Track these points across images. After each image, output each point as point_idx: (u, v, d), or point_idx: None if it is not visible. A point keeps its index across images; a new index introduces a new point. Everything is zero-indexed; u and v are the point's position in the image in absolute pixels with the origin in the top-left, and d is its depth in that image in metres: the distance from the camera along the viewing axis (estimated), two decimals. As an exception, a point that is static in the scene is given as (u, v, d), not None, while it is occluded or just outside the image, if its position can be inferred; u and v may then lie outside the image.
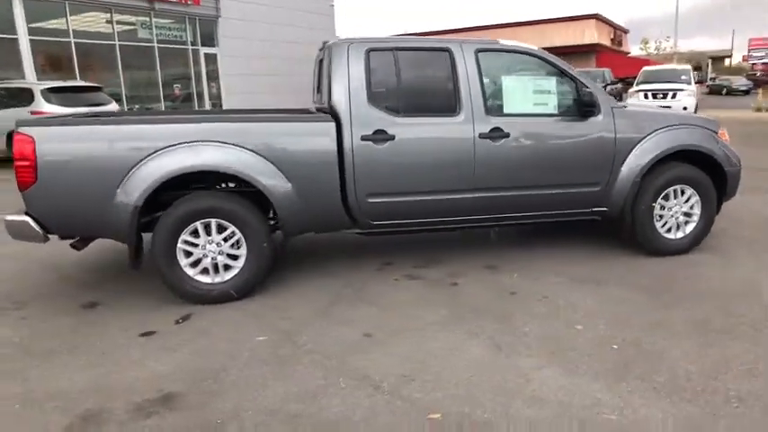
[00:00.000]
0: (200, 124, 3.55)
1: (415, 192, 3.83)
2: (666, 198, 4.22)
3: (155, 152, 3.41)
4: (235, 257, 3.64)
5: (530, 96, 3.97)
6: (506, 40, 4.11)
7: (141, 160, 3.40)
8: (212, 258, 3.60)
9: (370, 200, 3.77)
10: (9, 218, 3.42)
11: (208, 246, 3.58)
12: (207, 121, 3.62)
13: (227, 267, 3.64)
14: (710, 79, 41.13)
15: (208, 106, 19.38)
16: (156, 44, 17.82)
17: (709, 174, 4.26)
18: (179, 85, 18.77)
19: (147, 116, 4.14)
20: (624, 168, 4.09)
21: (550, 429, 2.27)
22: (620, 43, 33.21)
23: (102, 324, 3.41)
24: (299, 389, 2.61)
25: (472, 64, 3.85)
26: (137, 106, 16.77)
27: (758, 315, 3.26)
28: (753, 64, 45.67)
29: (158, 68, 17.93)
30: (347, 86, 3.68)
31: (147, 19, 17.55)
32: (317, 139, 3.66)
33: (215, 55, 19.77)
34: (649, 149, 4.09)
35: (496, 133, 3.84)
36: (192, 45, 19.05)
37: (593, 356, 2.84)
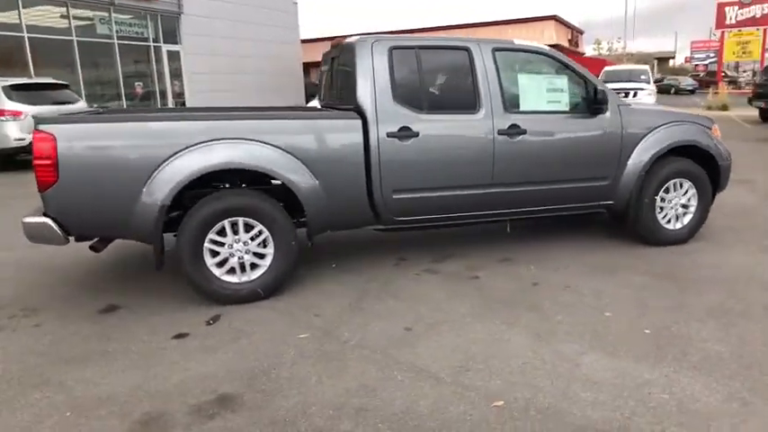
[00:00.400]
0: (226, 121, 3.49)
1: (438, 187, 3.89)
2: (667, 191, 4.44)
3: (182, 150, 3.34)
4: (261, 256, 3.61)
5: (543, 94, 4.10)
6: (520, 40, 4.23)
7: (168, 158, 3.32)
8: (239, 257, 3.56)
9: (395, 196, 3.81)
10: (27, 220, 3.27)
11: (235, 245, 3.53)
12: (233, 118, 3.56)
13: (253, 266, 3.61)
14: (656, 80, 43.04)
15: (171, 104, 18.86)
16: (116, 40, 17.20)
17: (704, 167, 4.51)
18: (141, 83, 18.19)
19: (172, 113, 4.04)
20: (630, 163, 4.29)
21: (613, 410, 2.37)
22: (576, 44, 34.29)
23: (126, 328, 3.32)
24: (356, 384, 2.63)
25: (490, 62, 3.94)
26: (95, 105, 16.14)
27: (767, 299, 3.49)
28: (696, 65, 48.06)
29: (119, 66, 17.32)
30: (372, 84, 3.71)
31: (107, 14, 16.92)
32: (343, 135, 3.67)
33: (178, 52, 19.25)
34: (653, 145, 4.30)
35: (514, 130, 3.95)
36: (154, 42, 18.48)
37: (628, 341, 2.98)
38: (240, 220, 3.51)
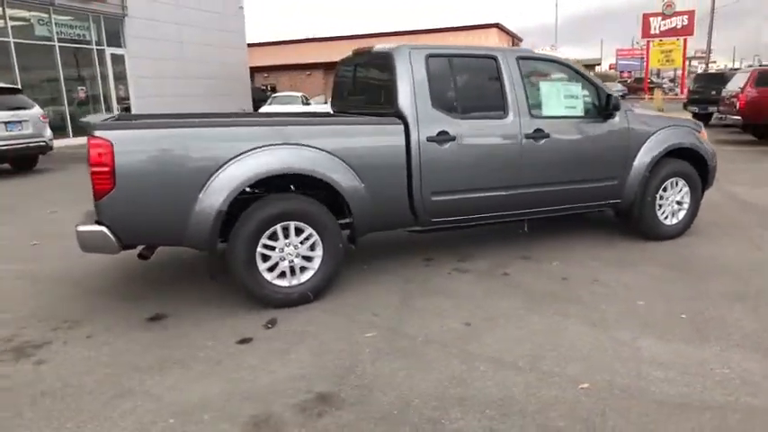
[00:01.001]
0: (278, 127, 3.52)
1: (471, 189, 4.07)
2: (665, 189, 4.85)
3: (238, 155, 3.34)
4: (309, 259, 3.65)
5: (561, 100, 4.39)
6: (539, 51, 4.49)
7: (225, 163, 3.32)
8: (290, 261, 3.59)
9: (434, 198, 3.95)
10: (82, 228, 3.16)
11: (285, 248, 3.56)
12: (285, 123, 3.60)
13: (302, 269, 3.64)
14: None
15: (116, 109, 18.07)
16: (56, 43, 16.34)
17: (695, 167, 4.96)
18: (84, 87, 17.34)
19: (226, 118, 4.02)
20: (635, 164, 4.65)
21: (685, 385, 2.62)
22: (515, 52, 35.92)
23: (183, 335, 3.27)
24: (445, 375, 2.75)
25: (515, 70, 4.18)
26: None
27: (771, 283, 3.91)
28: (621, 72, 51.26)
29: (60, 69, 16.45)
30: (412, 90, 3.84)
31: (46, 15, 16.04)
32: (388, 139, 3.78)
33: (122, 56, 18.50)
34: (654, 147, 4.68)
35: (539, 134, 4.20)
36: (98, 45, 17.69)
37: (671, 325, 3.27)
38: (292, 225, 3.55)
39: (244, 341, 3.19)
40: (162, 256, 4.42)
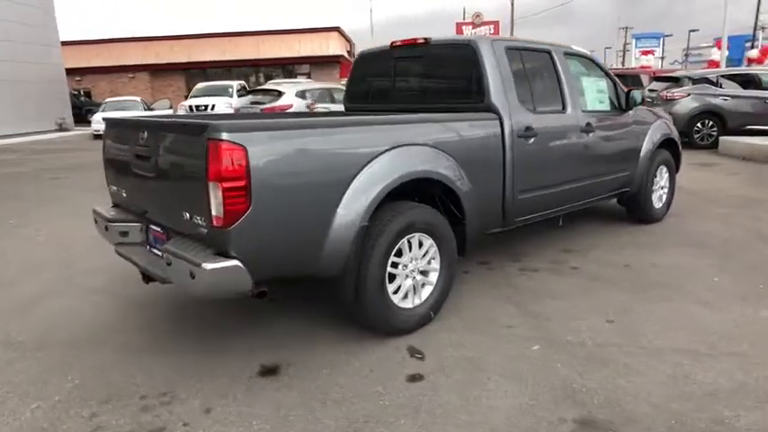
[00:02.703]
0: (409, 125, 3.08)
1: (546, 185, 3.99)
2: (655, 176, 5.34)
3: (373, 159, 2.81)
4: (425, 274, 3.23)
5: (595, 94, 4.54)
6: (575, 46, 4.58)
7: (361, 170, 2.76)
8: (412, 279, 3.13)
9: (520, 196, 3.79)
10: (212, 266, 2.32)
11: (409, 265, 3.10)
12: (401, 122, 3.11)
13: (422, 286, 3.21)
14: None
15: None
16: None
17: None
18: None
19: (356, 117, 3.31)
20: (641, 154, 5.02)
21: None
22: (353, 55, 36.60)
23: (329, 386, 2.64)
24: (663, 375, 2.64)
25: (565, 65, 4.21)
26: None
27: (778, 250, 4.54)
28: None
29: None
30: (502, 82, 3.62)
31: None
32: (488, 136, 3.51)
33: None
34: (652, 138, 5.11)
35: (589, 128, 4.29)
36: None
37: (762, 295, 3.59)
38: (417, 237, 3.10)
39: (414, 378, 2.69)
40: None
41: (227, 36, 30.40)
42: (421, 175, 3.00)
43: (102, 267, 4.29)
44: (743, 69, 14.49)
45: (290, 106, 11.64)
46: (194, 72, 31.33)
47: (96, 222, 3.42)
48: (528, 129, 3.75)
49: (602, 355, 2.86)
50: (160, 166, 2.74)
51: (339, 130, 2.77)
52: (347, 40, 34.58)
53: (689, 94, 11.44)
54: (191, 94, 18.96)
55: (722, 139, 10.65)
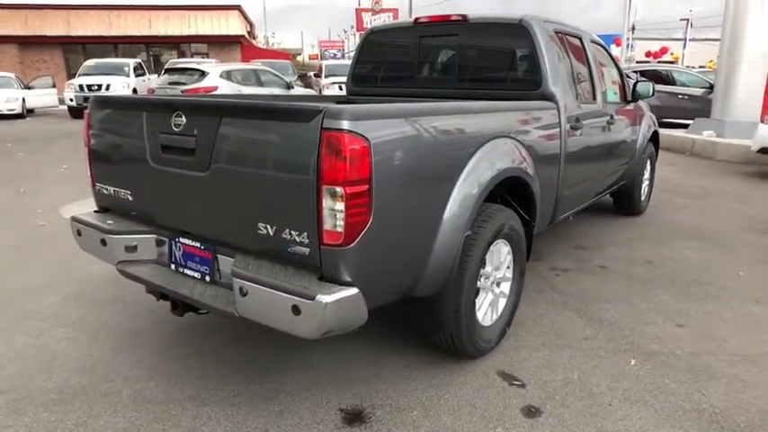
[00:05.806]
0: (493, 114, 2.63)
1: (584, 180, 3.76)
2: (645, 168, 5.36)
3: (474, 153, 2.35)
4: (498, 284, 2.84)
5: (611, 86, 4.38)
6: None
7: (464, 167, 2.29)
8: (491, 291, 2.73)
9: (566, 192, 3.51)
10: (331, 298, 1.73)
11: (491, 276, 2.69)
12: (491, 110, 2.67)
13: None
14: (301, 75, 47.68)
15: None
16: None
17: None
18: None
19: (455, 103, 2.69)
20: (637, 147, 4.99)
21: None
22: (254, 36, 34.61)
23: (443, 428, 2.19)
24: (739, 380, 2.50)
25: (593, 52, 3.99)
26: None
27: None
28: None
29: None
30: (557, 69, 3.29)
31: None
32: (549, 127, 3.17)
33: None
34: (644, 131, 5.10)
35: (611, 119, 4.12)
36: None
37: (793, 289, 3.66)
38: (500, 244, 2.69)
39: (531, 413, 2.30)
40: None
41: (114, 9, 27.38)
42: (513, 173, 2.60)
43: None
44: (656, 66, 15.60)
45: (215, 88, 10.58)
46: (74, 47, 27.91)
47: (80, 235, 2.61)
48: (577, 120, 3.47)
49: (703, 367, 2.66)
50: (218, 163, 2.06)
51: (447, 118, 2.27)
52: (248, 21, 32.71)
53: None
54: (80, 72, 16.85)
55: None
